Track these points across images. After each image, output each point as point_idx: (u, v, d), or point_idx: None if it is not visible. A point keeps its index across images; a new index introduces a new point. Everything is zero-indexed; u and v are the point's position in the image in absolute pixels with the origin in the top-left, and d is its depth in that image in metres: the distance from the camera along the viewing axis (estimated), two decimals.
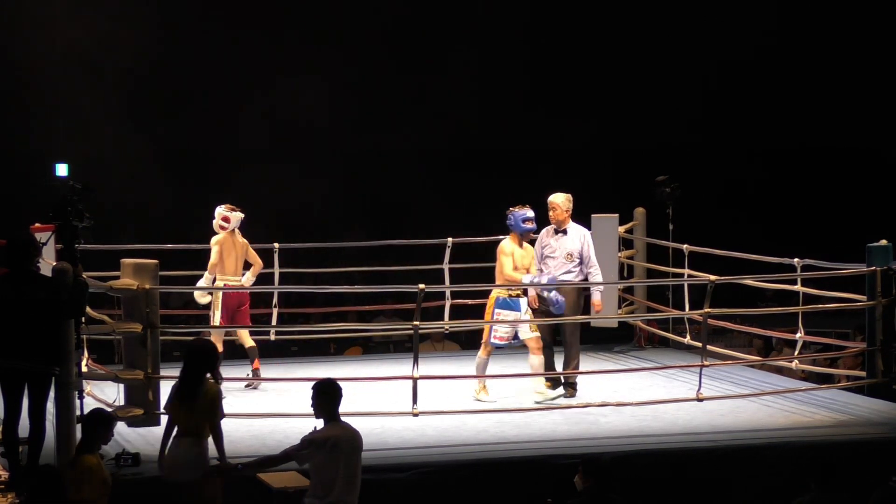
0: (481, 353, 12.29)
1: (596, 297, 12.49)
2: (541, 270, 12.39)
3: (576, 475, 9.10)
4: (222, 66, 19.80)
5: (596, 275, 12.48)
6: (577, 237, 12.48)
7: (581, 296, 12.57)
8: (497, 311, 12.11)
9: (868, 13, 20.76)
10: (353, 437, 8.76)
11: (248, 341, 13.05)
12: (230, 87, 20.05)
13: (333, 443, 8.65)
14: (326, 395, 8.83)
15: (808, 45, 21.01)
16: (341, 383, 9.15)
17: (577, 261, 12.42)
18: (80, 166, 16.68)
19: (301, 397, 11.37)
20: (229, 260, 13.06)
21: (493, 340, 12.17)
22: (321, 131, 20.09)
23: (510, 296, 12.09)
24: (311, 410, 9.88)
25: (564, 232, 12.48)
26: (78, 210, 9.88)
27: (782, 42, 21.01)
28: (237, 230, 13.20)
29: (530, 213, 12.22)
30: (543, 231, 12.60)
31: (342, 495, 8.60)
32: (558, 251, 12.45)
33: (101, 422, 9.03)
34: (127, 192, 17.90)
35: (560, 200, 12.53)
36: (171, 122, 19.61)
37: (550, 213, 12.51)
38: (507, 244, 12.21)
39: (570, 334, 12.47)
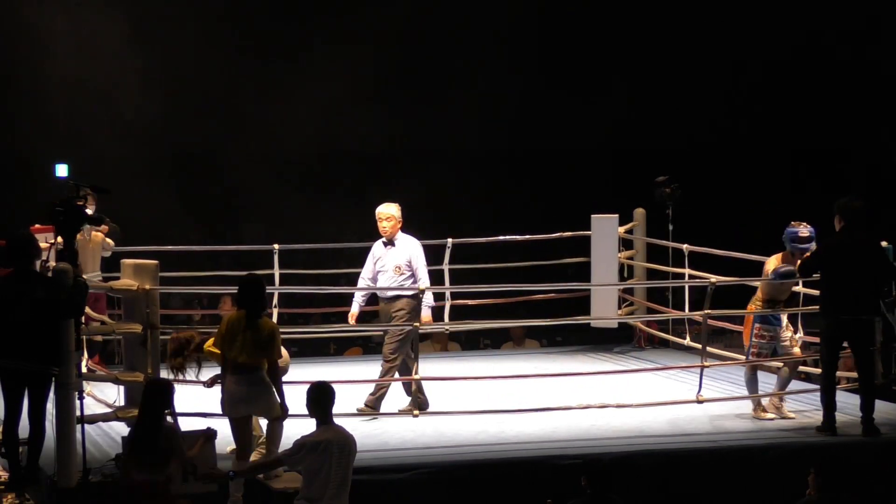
0: (748, 370, 11.82)
1: (426, 314, 11.83)
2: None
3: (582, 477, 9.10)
4: (226, 67, 19.80)
5: (427, 293, 11.85)
6: (405, 249, 11.87)
7: (418, 308, 11.88)
8: (757, 325, 11.69)
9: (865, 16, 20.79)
10: (345, 440, 8.75)
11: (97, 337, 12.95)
12: (232, 89, 20.06)
13: (325, 446, 8.65)
14: (319, 398, 8.84)
15: (807, 46, 21.02)
16: (341, 384, 9.17)
17: (408, 273, 11.82)
18: (80, 167, 16.68)
19: (301, 398, 11.41)
20: (82, 257, 12.61)
21: (751, 358, 11.74)
22: (322, 133, 20.10)
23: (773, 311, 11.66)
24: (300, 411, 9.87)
25: (393, 244, 11.89)
26: (78, 211, 9.83)
27: (782, 44, 21.01)
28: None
29: (804, 233, 11.59)
30: (376, 243, 12.02)
31: (333, 499, 8.60)
32: (388, 264, 11.86)
33: (261, 285, 9.58)
34: (127, 193, 17.91)
35: (393, 212, 11.88)
36: (173, 124, 19.60)
37: (385, 225, 11.87)
38: (775, 258, 11.65)
39: (390, 352, 11.80)
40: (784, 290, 11.77)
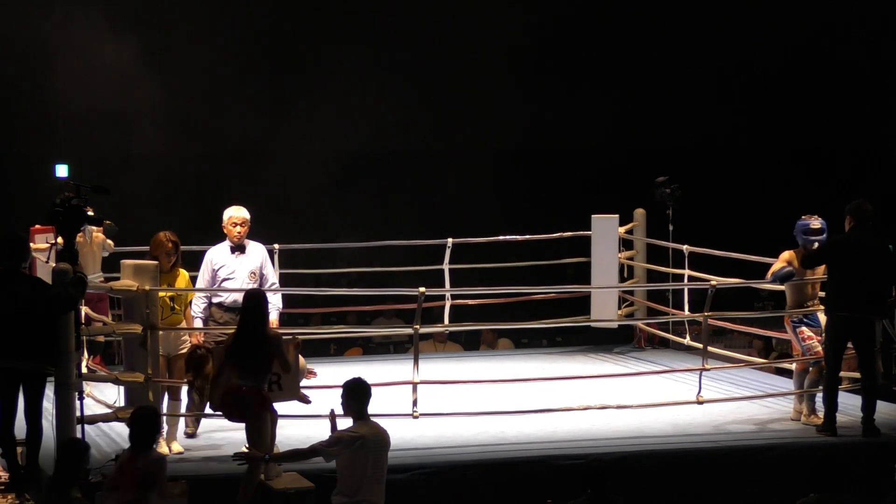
0: (812, 373, 11.57)
1: (273, 315, 11.19)
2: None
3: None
4: (232, 67, 19.83)
5: (276, 297, 11.39)
6: (258, 254, 11.44)
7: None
8: (800, 329, 11.51)
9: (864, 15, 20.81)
10: (381, 436, 8.84)
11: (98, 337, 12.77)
12: (237, 88, 20.09)
13: (361, 442, 8.72)
14: (355, 394, 8.94)
15: (807, 46, 21.03)
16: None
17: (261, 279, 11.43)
18: (80, 167, 16.70)
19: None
20: (83, 258, 12.52)
21: (812, 361, 11.51)
22: (322, 135, 20.11)
23: (806, 314, 11.50)
24: (309, 411, 9.92)
25: (243, 250, 11.39)
26: (77, 210, 9.81)
27: (781, 42, 21.02)
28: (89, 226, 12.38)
29: (816, 224, 11.41)
30: (214, 250, 11.46)
31: (369, 494, 8.70)
32: (238, 271, 11.33)
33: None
34: (127, 192, 17.92)
35: (247, 216, 11.39)
36: (174, 123, 19.62)
37: (239, 230, 11.33)
38: (787, 253, 11.48)
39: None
40: (800, 289, 11.68)
